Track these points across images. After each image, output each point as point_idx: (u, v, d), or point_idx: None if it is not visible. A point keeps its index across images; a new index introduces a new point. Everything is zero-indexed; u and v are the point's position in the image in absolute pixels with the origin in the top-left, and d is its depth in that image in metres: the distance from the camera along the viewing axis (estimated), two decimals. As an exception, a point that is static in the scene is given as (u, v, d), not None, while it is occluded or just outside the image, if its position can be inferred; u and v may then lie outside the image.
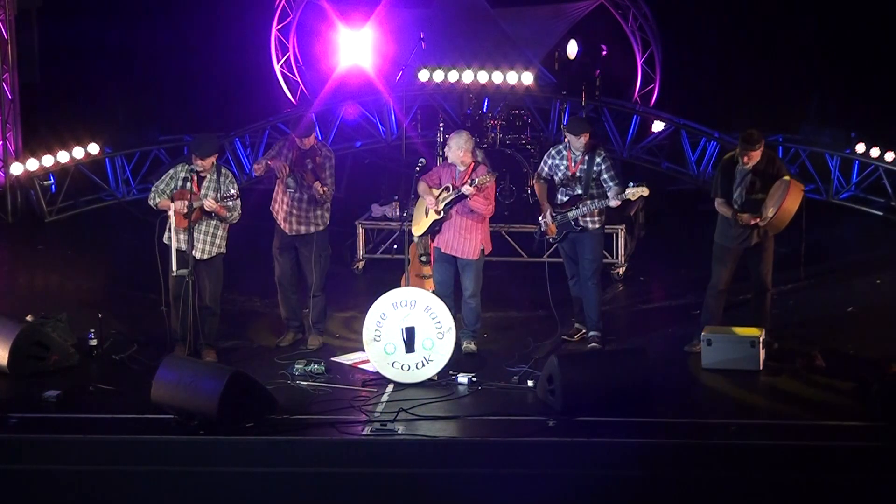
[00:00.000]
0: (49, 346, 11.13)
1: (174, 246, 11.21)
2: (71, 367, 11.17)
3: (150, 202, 11.39)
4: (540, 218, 11.84)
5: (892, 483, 9.24)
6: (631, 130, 16.55)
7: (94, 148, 16.90)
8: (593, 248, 11.71)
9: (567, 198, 11.67)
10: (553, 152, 11.84)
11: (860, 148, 16.34)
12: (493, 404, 10.45)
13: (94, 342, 11.47)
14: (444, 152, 14.92)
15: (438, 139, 15.50)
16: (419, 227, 11.78)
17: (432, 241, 11.77)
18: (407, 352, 10.84)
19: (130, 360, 11.35)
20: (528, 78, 16.67)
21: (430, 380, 10.85)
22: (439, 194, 11.51)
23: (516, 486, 9.28)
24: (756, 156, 11.23)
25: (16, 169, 16.50)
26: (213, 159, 11.28)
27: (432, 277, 11.88)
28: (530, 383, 10.74)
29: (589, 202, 11.56)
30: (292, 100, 18.70)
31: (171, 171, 11.37)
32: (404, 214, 13.01)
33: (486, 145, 14.99)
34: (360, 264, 14.58)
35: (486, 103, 16.71)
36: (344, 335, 12.16)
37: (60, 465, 9.49)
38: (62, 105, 17.92)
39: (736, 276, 11.63)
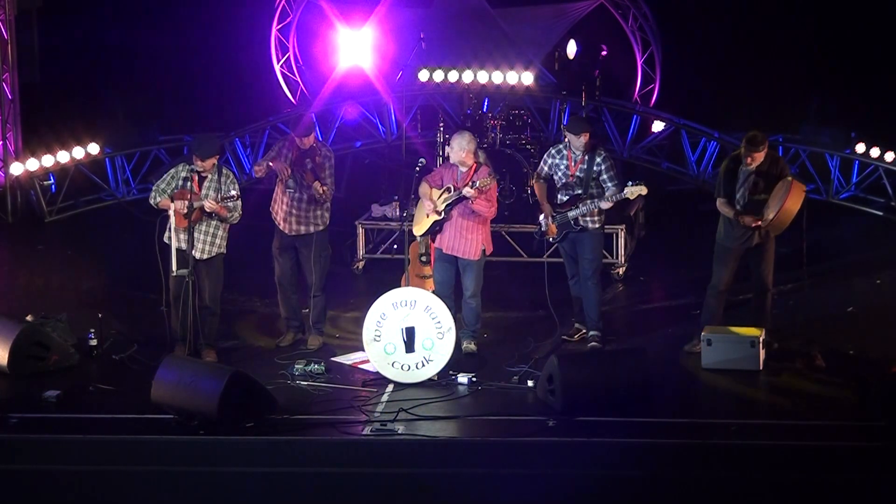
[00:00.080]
0: (49, 346, 11.12)
1: (174, 246, 11.20)
2: (71, 367, 11.16)
3: (151, 201, 11.39)
4: (540, 218, 11.84)
5: (892, 483, 9.23)
6: (631, 130, 16.53)
7: (94, 148, 16.87)
8: (593, 248, 11.71)
9: (567, 197, 11.66)
10: (553, 152, 11.83)
11: (860, 148, 16.33)
12: (493, 404, 10.45)
13: (94, 342, 11.47)
14: (444, 152, 14.96)
15: (438, 139, 15.50)
16: (420, 226, 11.77)
17: (433, 241, 11.77)
18: (407, 352, 10.83)
19: (130, 360, 11.34)
20: (528, 78, 16.65)
21: (430, 380, 10.84)
22: (440, 195, 11.50)
23: (516, 486, 9.28)
24: (760, 157, 11.24)
25: (16, 169, 16.48)
26: (213, 160, 11.26)
27: (432, 277, 11.87)
28: (530, 383, 10.73)
29: (589, 202, 11.56)
30: (292, 100, 18.68)
31: (173, 171, 11.35)
32: (404, 214, 13.00)
33: (486, 145, 14.96)
34: (360, 264, 14.57)
35: (486, 103, 16.69)
36: (344, 335, 12.16)
37: (60, 465, 9.48)
38: (62, 105, 17.92)
39: (736, 276, 11.62)
